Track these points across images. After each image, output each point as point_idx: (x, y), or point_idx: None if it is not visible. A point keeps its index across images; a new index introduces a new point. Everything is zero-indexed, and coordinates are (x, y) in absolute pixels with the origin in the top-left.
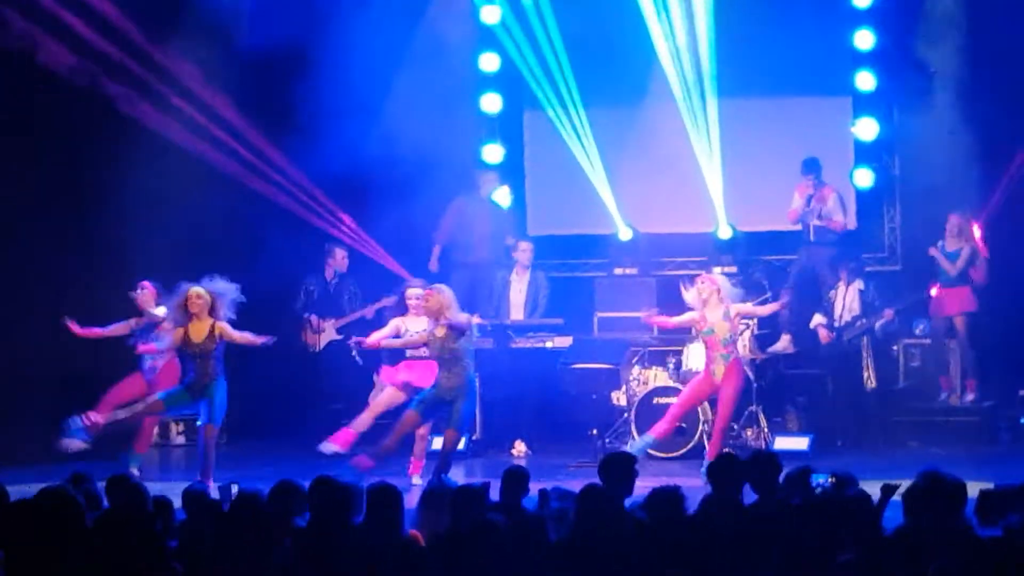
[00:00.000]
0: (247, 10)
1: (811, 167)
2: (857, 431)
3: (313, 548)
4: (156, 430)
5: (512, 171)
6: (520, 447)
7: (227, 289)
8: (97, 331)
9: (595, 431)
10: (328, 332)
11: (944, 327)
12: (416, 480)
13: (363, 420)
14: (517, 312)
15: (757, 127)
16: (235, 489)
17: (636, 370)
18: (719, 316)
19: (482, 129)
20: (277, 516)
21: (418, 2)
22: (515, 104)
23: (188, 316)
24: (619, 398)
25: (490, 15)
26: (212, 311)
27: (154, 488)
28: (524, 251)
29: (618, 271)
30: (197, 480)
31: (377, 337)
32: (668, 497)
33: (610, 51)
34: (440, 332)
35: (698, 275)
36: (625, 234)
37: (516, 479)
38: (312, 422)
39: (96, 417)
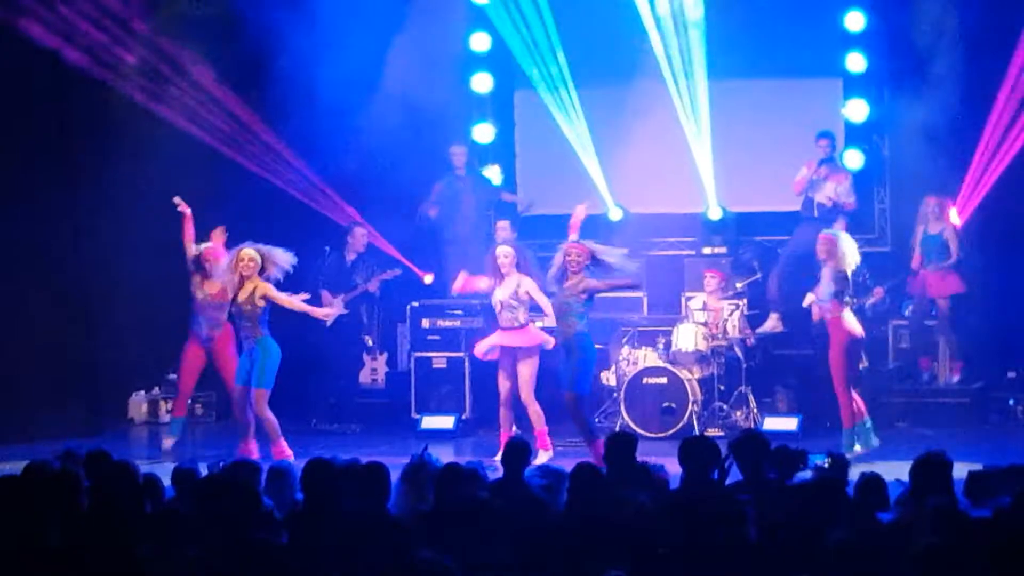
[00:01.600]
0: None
1: (826, 134)
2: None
3: (304, 528)
4: (145, 408)
5: (503, 151)
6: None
7: (280, 255)
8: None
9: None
10: (337, 306)
11: (927, 309)
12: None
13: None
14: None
15: (748, 108)
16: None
17: (626, 350)
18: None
19: (473, 108)
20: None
21: None
22: (506, 84)
23: (240, 278)
24: (609, 378)
25: None
26: (262, 272)
27: (143, 468)
28: (503, 229)
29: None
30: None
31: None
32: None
33: (601, 31)
34: (573, 282)
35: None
36: (615, 214)
37: (518, 452)
38: (315, 398)
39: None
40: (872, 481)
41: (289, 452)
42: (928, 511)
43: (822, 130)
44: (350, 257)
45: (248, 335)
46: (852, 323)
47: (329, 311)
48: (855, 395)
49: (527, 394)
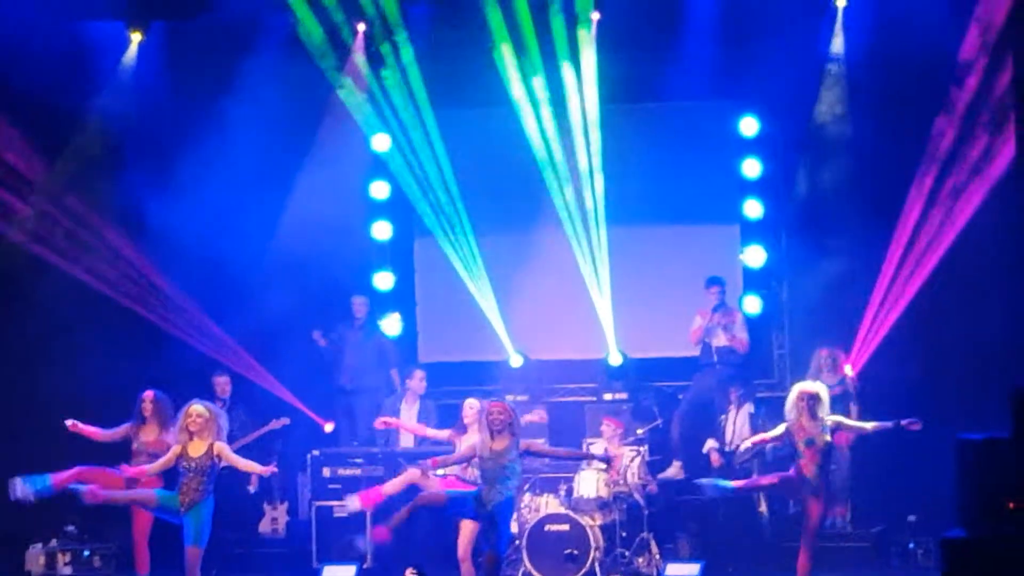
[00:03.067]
0: (131, 129)
1: (716, 280)
2: (749, 557)
3: None
4: (43, 560)
5: (403, 298)
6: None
7: (222, 414)
8: (96, 432)
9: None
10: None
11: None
12: None
13: (395, 483)
14: (407, 439)
15: (647, 254)
16: None
17: (527, 497)
18: (818, 428)
19: (372, 256)
20: None
21: (310, 128)
22: (406, 231)
23: (188, 434)
24: (511, 525)
25: (380, 143)
26: (212, 430)
27: None
28: (419, 379)
29: (509, 398)
30: None
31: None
32: None
33: (500, 179)
34: (500, 445)
35: (805, 385)
36: (516, 361)
37: None
38: (214, 548)
39: (95, 490)
40: None
41: None
42: None
43: (711, 276)
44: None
45: (194, 490)
46: None
47: (269, 468)
48: None
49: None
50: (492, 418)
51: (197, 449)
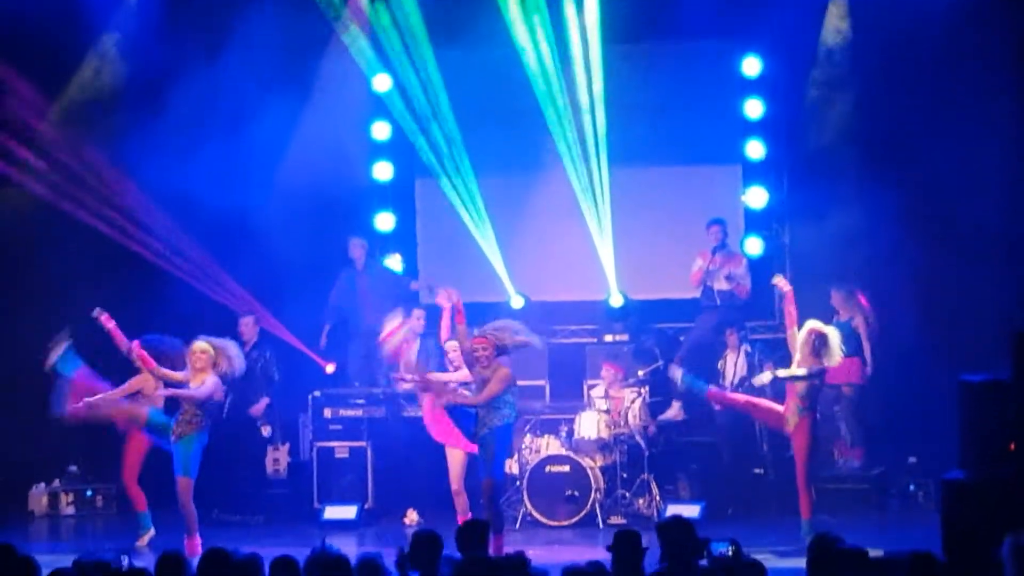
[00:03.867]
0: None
1: (718, 220)
2: (749, 498)
3: None
4: (46, 500)
5: (404, 239)
6: (412, 515)
7: (233, 349)
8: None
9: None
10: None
11: (832, 395)
12: None
13: (464, 504)
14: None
15: (648, 195)
16: (125, 561)
17: (528, 438)
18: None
19: (374, 197)
20: None
21: (310, 70)
22: (407, 172)
23: (194, 371)
24: (511, 466)
25: (381, 84)
26: (215, 366)
27: (44, 561)
28: (418, 319)
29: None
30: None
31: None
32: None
33: (501, 119)
34: (488, 375)
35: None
36: (517, 302)
37: (429, 544)
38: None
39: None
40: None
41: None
42: None
43: (713, 218)
44: (245, 349)
45: (192, 424)
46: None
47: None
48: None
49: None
50: (477, 355)
51: (196, 381)
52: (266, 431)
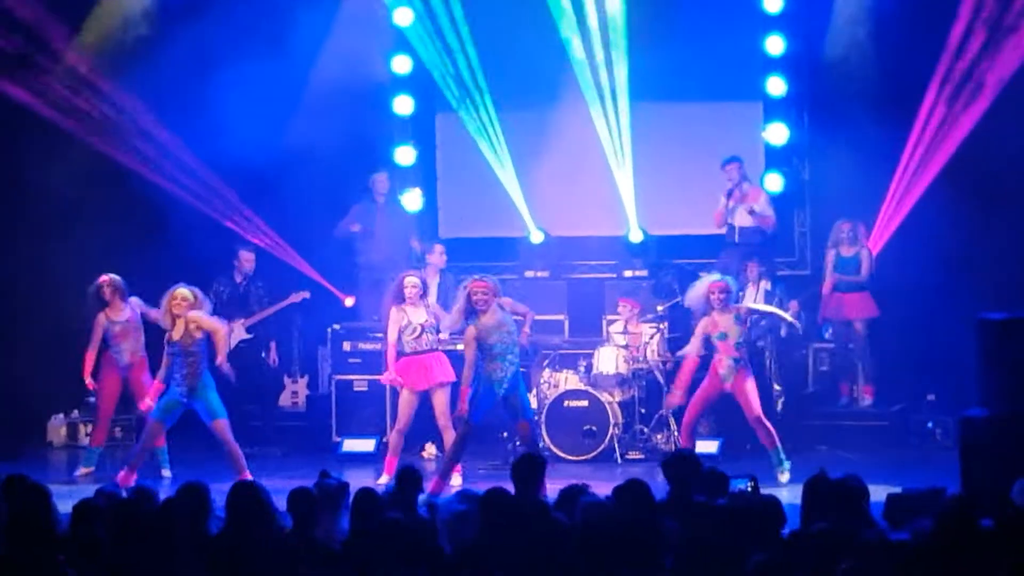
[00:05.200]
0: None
1: (734, 159)
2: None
3: (226, 555)
4: (64, 431)
5: (424, 174)
6: (430, 449)
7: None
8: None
9: (505, 434)
10: (237, 331)
11: (845, 333)
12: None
13: (395, 441)
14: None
15: (669, 131)
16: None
17: (547, 373)
18: (731, 320)
19: (394, 131)
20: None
21: (331, 3)
22: (427, 106)
23: (172, 317)
24: (530, 401)
25: (402, 17)
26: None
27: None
28: (439, 254)
29: (529, 274)
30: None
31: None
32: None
33: (523, 54)
34: (492, 320)
35: (714, 279)
36: (536, 237)
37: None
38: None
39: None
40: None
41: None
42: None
43: (728, 156)
44: (240, 280)
45: (194, 372)
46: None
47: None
48: None
49: (448, 420)
50: (476, 298)
51: (178, 331)
52: (272, 361)
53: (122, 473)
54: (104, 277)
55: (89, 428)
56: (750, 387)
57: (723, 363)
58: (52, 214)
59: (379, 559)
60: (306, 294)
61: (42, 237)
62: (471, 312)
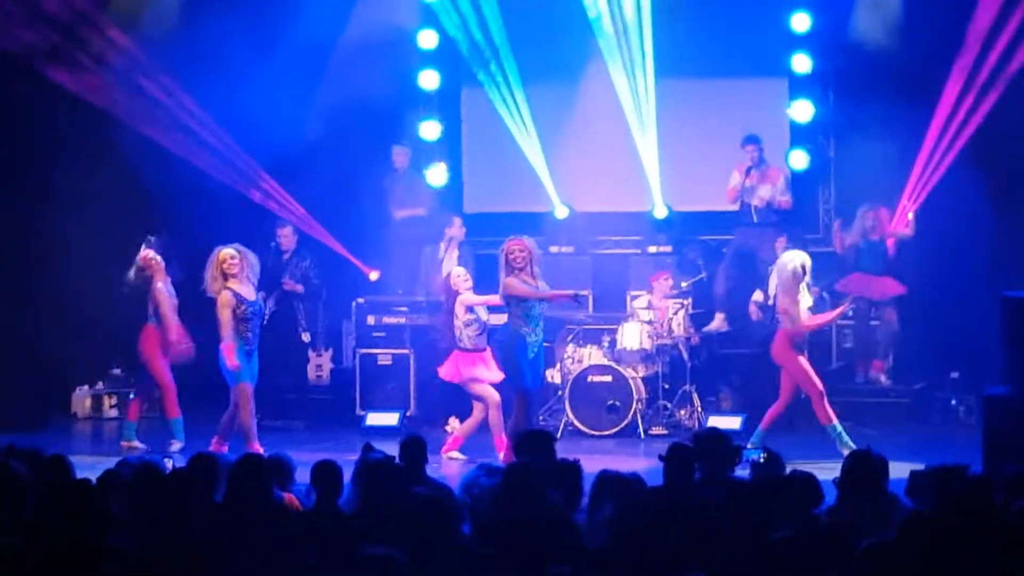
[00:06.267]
0: None
1: (753, 139)
2: (790, 410)
3: (232, 522)
4: (89, 402)
5: (449, 148)
6: (454, 423)
7: (252, 256)
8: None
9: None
10: (270, 304)
11: (867, 309)
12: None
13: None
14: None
15: (694, 108)
16: (169, 464)
17: (571, 348)
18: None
19: (420, 105)
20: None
21: None
22: (453, 81)
23: (224, 278)
24: (553, 376)
25: None
26: (246, 271)
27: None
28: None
29: (554, 249)
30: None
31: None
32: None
33: (548, 29)
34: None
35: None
36: (561, 212)
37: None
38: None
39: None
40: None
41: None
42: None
43: (747, 135)
44: (285, 257)
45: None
46: None
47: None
48: None
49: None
50: (513, 256)
51: (247, 290)
52: (306, 337)
53: (215, 441)
54: (146, 253)
55: (114, 400)
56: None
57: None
58: (83, 191)
59: (396, 531)
60: (377, 272)
61: (67, 213)
62: (510, 271)
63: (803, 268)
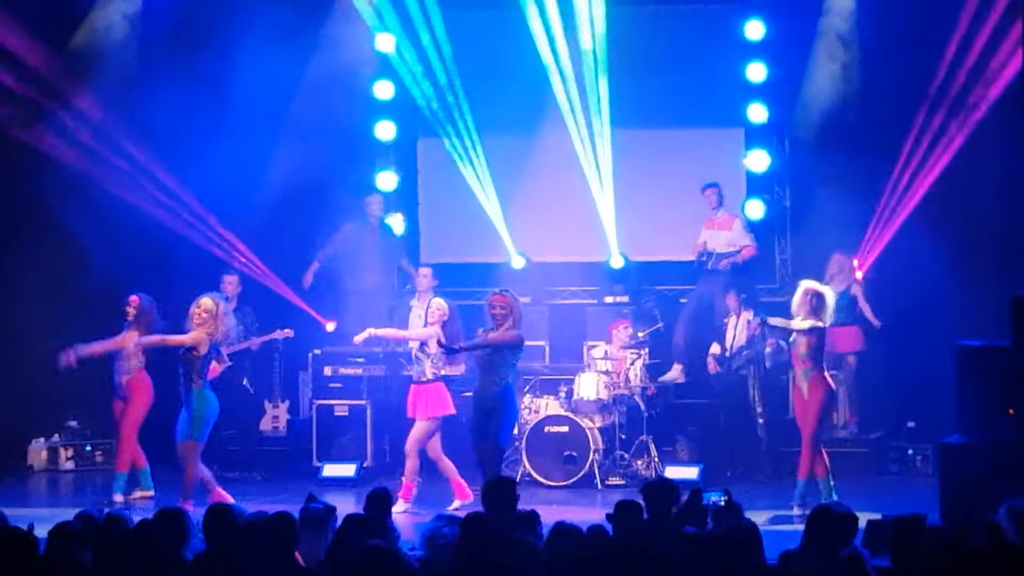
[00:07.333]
0: (141, 32)
1: (713, 183)
2: (747, 461)
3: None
4: (45, 454)
5: (406, 199)
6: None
7: (230, 314)
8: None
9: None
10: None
11: (833, 362)
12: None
13: (411, 467)
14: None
15: (650, 158)
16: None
17: (528, 398)
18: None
19: (376, 156)
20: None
21: (314, 28)
22: (409, 132)
23: (193, 325)
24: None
25: (385, 43)
26: (212, 326)
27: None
28: (424, 276)
29: None
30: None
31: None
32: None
33: (504, 80)
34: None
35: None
36: (518, 263)
37: (380, 501)
38: (215, 446)
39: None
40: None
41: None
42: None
43: (707, 181)
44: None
45: (185, 384)
46: (828, 378)
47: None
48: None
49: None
50: (494, 312)
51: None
52: (247, 385)
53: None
54: (135, 298)
55: (71, 452)
56: (817, 403)
57: (798, 375)
58: (31, 237)
59: None
60: (289, 332)
61: (15, 259)
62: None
63: (816, 297)
